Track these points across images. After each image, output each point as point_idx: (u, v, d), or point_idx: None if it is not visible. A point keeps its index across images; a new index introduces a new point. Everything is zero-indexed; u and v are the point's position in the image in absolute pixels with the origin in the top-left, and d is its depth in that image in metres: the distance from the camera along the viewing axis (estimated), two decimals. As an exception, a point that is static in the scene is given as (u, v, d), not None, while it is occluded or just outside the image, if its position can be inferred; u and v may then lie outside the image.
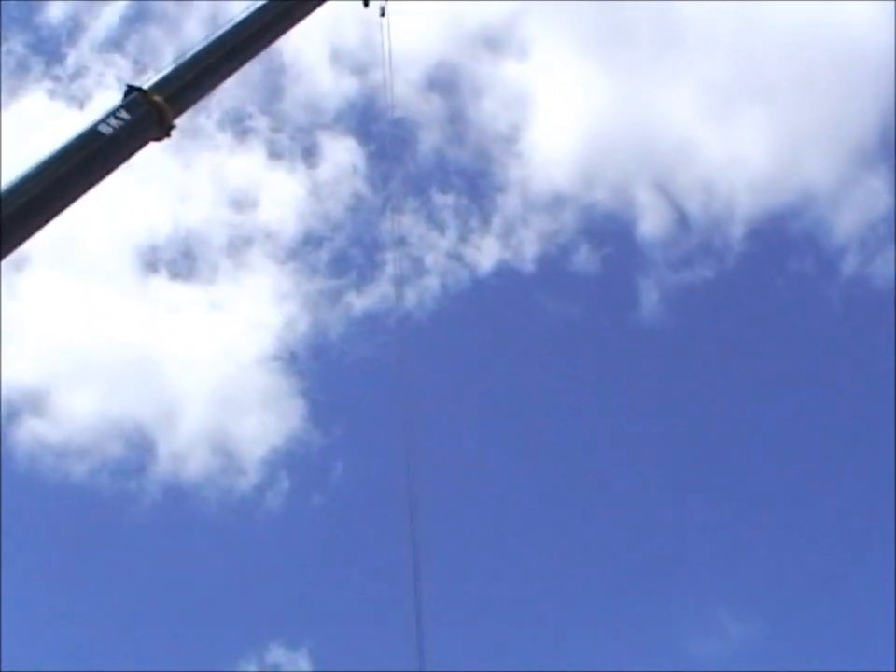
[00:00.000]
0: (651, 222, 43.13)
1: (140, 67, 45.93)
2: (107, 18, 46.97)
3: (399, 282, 25.60)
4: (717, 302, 43.35)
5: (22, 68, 46.37)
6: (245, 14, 20.76)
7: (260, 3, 20.99)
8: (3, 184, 16.37)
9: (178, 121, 19.06)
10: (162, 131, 18.78)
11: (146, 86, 18.74)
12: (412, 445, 22.40)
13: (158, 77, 19.14)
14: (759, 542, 38.87)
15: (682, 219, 43.17)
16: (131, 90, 18.55)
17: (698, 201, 43.14)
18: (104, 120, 17.84)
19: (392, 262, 25.98)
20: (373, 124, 44.22)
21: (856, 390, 39.76)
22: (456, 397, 42.61)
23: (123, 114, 18.07)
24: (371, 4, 24.11)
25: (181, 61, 19.72)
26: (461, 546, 38.26)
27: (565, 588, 38.77)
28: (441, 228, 44.54)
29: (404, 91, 44.38)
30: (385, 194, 43.66)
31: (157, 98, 18.60)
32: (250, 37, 20.66)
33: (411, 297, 42.42)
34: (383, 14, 24.40)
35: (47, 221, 16.82)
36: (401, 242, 42.41)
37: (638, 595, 38.36)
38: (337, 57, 45.53)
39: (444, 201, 45.10)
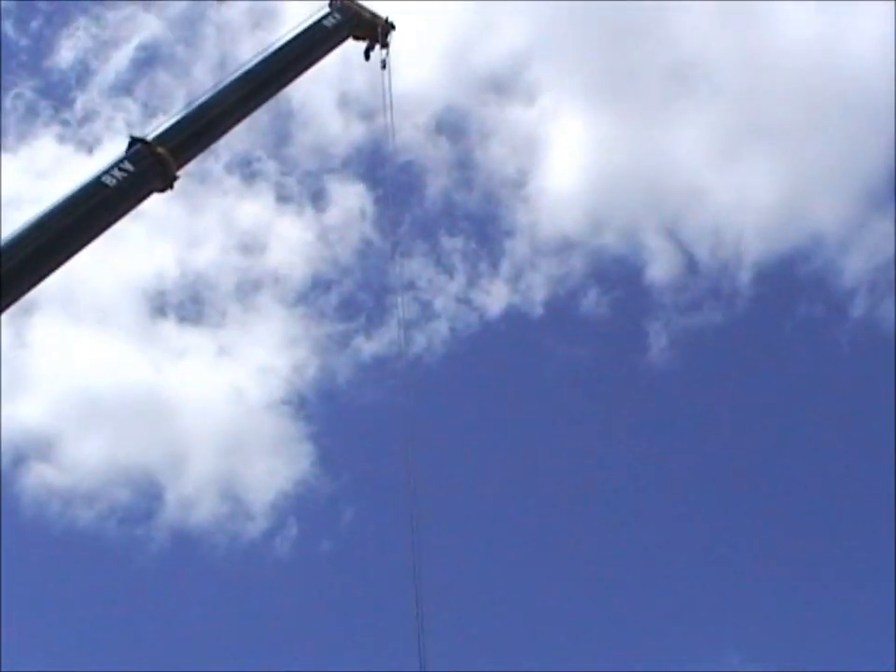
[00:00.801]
0: (660, 266, 43.13)
1: (149, 111, 45.57)
2: (117, 62, 46.83)
3: (404, 327, 25.74)
4: (726, 346, 43.31)
5: (31, 113, 46.29)
6: (249, 66, 21.17)
7: (265, 55, 21.43)
8: (7, 235, 16.69)
9: (183, 171, 19.32)
10: (166, 182, 19.04)
11: (149, 137, 19.04)
12: (415, 492, 22.45)
13: (161, 128, 19.45)
14: (771, 585, 38.76)
15: (691, 263, 43.17)
16: (134, 141, 18.87)
17: (707, 244, 43.14)
18: (107, 172, 18.16)
19: (398, 307, 26.03)
20: (381, 169, 44.45)
21: (865, 433, 39.84)
22: (466, 440, 42.64)
23: (127, 165, 18.39)
24: (371, 56, 24.47)
25: (185, 112, 20.08)
26: (469, 594, 38.20)
27: (574, 632, 38.54)
28: (449, 272, 44.43)
29: (412, 135, 44.97)
30: (393, 239, 44.09)
31: (160, 150, 18.89)
32: (254, 89, 21.00)
33: (420, 341, 42.65)
34: (384, 66, 24.65)
35: (51, 271, 17.11)
36: (410, 286, 43.09)
37: (651, 638, 38.22)
38: (345, 102, 45.35)
39: (453, 244, 45.02)
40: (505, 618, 38.13)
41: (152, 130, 19.44)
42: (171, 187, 19.18)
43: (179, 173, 19.28)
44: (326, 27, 22.67)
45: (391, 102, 24.57)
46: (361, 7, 23.97)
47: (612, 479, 41.34)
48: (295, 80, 21.87)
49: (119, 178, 18.16)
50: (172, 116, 20.08)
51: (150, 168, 18.71)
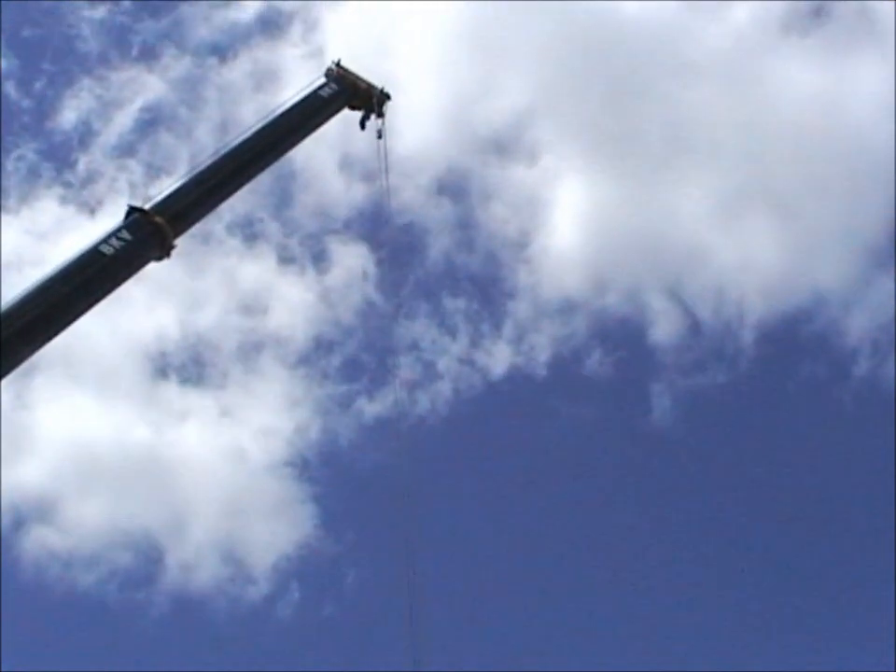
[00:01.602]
0: (663, 327, 43.41)
1: (153, 172, 46.22)
2: (120, 123, 47.31)
3: (407, 388, 26.06)
4: (729, 406, 43.45)
5: (33, 174, 46.61)
6: (246, 136, 21.66)
7: (262, 125, 21.91)
8: (7, 302, 17.15)
9: (179, 240, 19.73)
10: (163, 251, 19.47)
11: (147, 207, 19.47)
12: (413, 561, 22.72)
13: (159, 198, 19.87)
14: (770, 646, 38.73)
15: (694, 323, 43.50)
16: (132, 210, 19.28)
17: (709, 305, 43.48)
18: (106, 241, 18.58)
19: (395, 369, 26.38)
20: (382, 230, 44.87)
21: (869, 492, 39.80)
22: (469, 501, 42.63)
23: (125, 234, 18.82)
24: (367, 125, 24.92)
25: (182, 182, 20.49)
26: (471, 661, 38.25)
27: None
28: (452, 332, 44.73)
29: (414, 195, 45.40)
30: (396, 301, 44.42)
31: (158, 219, 19.32)
32: (252, 159, 21.46)
33: (423, 402, 42.82)
34: (380, 136, 25.09)
35: (50, 338, 17.52)
36: (413, 346, 43.46)
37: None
38: (346, 163, 45.48)
39: (455, 305, 45.38)
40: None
41: (150, 198, 19.90)
42: (168, 255, 19.60)
43: (177, 241, 19.67)
44: (322, 97, 23.20)
45: (387, 171, 25.11)
46: (357, 78, 24.47)
47: (615, 539, 41.30)
48: (292, 149, 22.38)
49: (118, 247, 18.57)
50: (169, 185, 20.51)
51: (148, 237, 19.13)
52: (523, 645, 38.41)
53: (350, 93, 24.15)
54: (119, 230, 18.91)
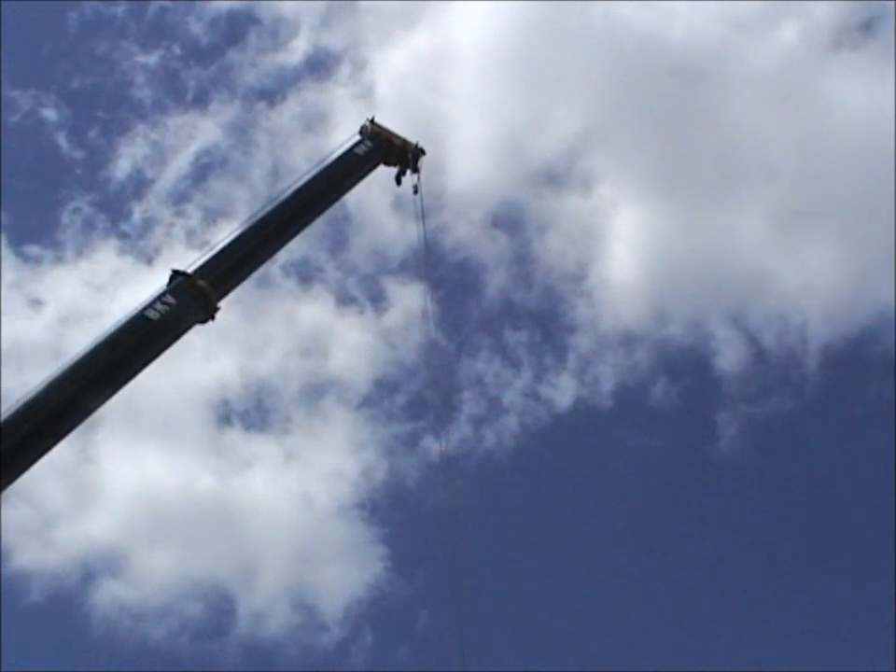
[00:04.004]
0: (727, 356, 43.74)
1: (209, 218, 47.28)
2: (174, 170, 48.01)
3: (442, 431, 26.60)
4: (796, 433, 43.63)
5: (89, 226, 47.31)
6: (285, 197, 22.40)
7: (300, 186, 22.62)
8: (57, 371, 17.83)
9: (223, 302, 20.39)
10: (207, 313, 20.12)
11: (190, 270, 20.14)
12: (463, 602, 23.19)
13: (201, 261, 20.53)
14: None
15: (758, 351, 43.80)
16: (176, 274, 20.01)
17: (773, 331, 43.75)
18: (151, 305, 19.29)
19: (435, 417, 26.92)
20: (440, 268, 45.46)
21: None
22: (537, 534, 42.85)
23: (169, 299, 19.51)
24: (402, 181, 25.60)
25: (224, 244, 21.18)
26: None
27: None
28: (516, 366, 45.07)
29: (468, 231, 46.27)
30: (458, 339, 44.95)
31: (201, 282, 20.00)
32: (291, 219, 22.19)
33: (489, 436, 43.35)
34: (416, 192, 25.68)
35: (100, 404, 18.24)
36: (477, 381, 44.07)
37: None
38: (399, 203, 46.26)
39: (517, 338, 45.80)
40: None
41: (192, 263, 20.42)
42: (213, 318, 20.22)
43: (220, 304, 20.30)
44: (358, 155, 24.01)
45: (424, 224, 25.72)
46: (392, 135, 25.21)
47: (685, 570, 41.68)
48: (330, 207, 23.11)
49: (163, 312, 19.21)
50: (212, 246, 21.12)
51: (192, 301, 19.76)
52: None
53: (385, 150, 24.88)
54: (163, 294, 19.57)
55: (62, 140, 48.51)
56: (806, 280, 44.86)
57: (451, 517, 24.70)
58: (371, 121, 24.92)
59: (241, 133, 49.10)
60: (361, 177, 24.12)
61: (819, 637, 39.61)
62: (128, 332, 18.87)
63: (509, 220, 47.14)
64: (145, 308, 19.28)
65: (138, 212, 47.61)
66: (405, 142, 25.44)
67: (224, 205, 47.42)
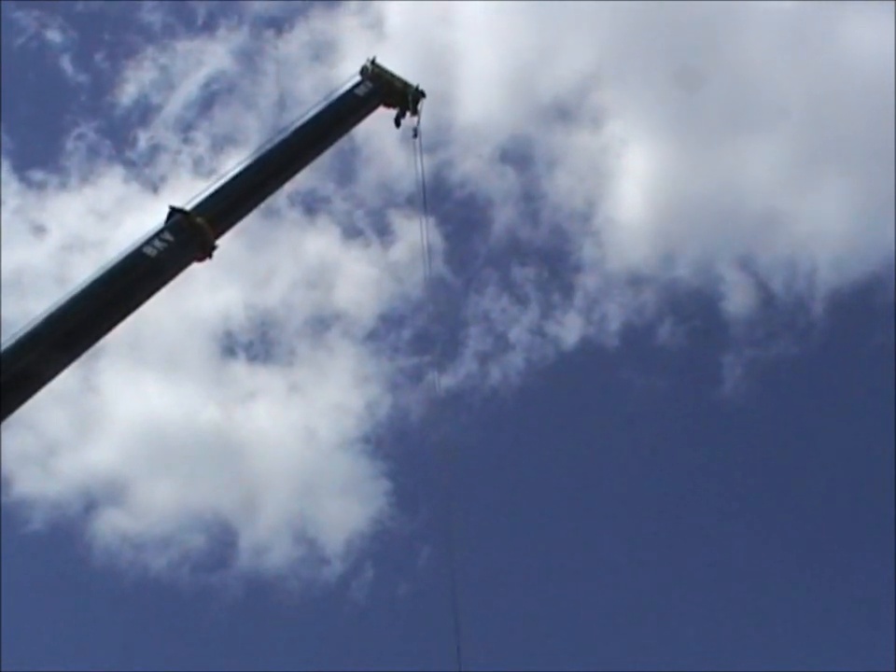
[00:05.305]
0: (735, 299, 44.17)
1: (217, 145, 47.31)
2: (181, 96, 47.90)
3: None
4: (801, 378, 44.04)
5: (94, 152, 47.30)
6: (284, 136, 22.68)
7: (299, 125, 22.91)
8: (55, 305, 18.11)
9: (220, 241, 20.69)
10: (205, 252, 20.44)
11: (188, 208, 20.39)
12: (454, 539, 23.60)
13: (199, 198, 20.78)
14: (853, 622, 39.22)
15: (766, 295, 44.23)
16: (174, 212, 20.24)
17: (781, 275, 44.05)
18: (148, 243, 19.56)
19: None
20: (447, 202, 45.55)
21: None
22: (541, 471, 43.36)
23: (167, 236, 19.79)
24: (402, 123, 25.92)
25: (223, 182, 21.41)
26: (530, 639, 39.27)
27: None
28: (523, 302, 45.52)
29: (476, 165, 46.41)
30: (466, 275, 45.11)
31: (199, 220, 20.27)
32: (290, 158, 22.49)
33: (495, 373, 43.88)
34: (415, 135, 26.03)
35: (98, 338, 18.59)
36: (483, 317, 44.38)
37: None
38: (407, 138, 46.24)
39: (524, 274, 46.17)
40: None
41: (191, 200, 20.68)
42: (210, 257, 20.52)
43: (218, 242, 20.59)
44: (358, 96, 24.30)
45: (423, 169, 26.07)
46: (392, 76, 25.46)
47: (686, 509, 42.27)
48: (330, 148, 23.35)
49: (160, 249, 19.51)
50: (209, 185, 21.35)
51: (190, 239, 20.06)
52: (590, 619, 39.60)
53: (385, 91, 25.15)
54: (161, 231, 19.80)
55: (66, 63, 48.36)
56: (816, 224, 45.15)
57: (443, 457, 25.17)
58: (373, 62, 25.13)
59: (248, 60, 49.01)
60: (361, 118, 24.42)
61: (818, 577, 40.29)
62: (126, 270, 19.14)
63: (517, 155, 47.15)
64: (142, 245, 19.53)
65: (144, 139, 47.65)
66: (405, 84, 25.69)
67: (231, 133, 47.55)
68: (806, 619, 39.36)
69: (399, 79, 25.63)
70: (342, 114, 23.83)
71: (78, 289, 18.61)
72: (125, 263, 19.29)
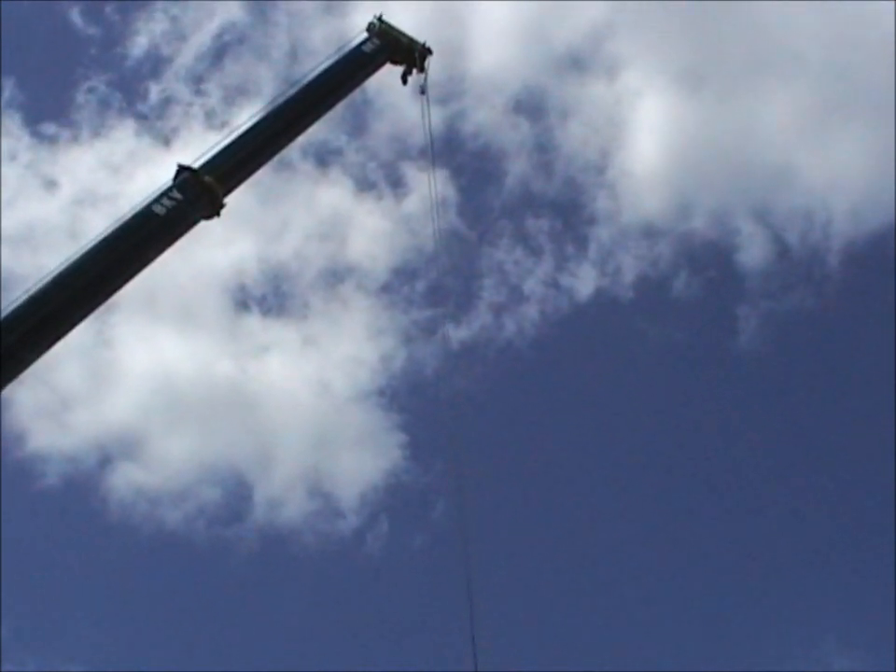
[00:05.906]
0: (750, 251, 44.18)
1: (230, 97, 47.24)
2: (193, 48, 47.87)
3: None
4: (816, 330, 44.31)
5: (105, 105, 47.18)
6: (292, 93, 22.85)
7: (307, 81, 23.08)
8: (65, 263, 18.37)
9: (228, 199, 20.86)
10: (213, 210, 20.63)
11: (196, 166, 20.59)
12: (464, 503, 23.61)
13: (207, 156, 20.96)
14: (877, 574, 39.32)
15: (781, 248, 44.18)
16: (182, 170, 20.44)
17: (797, 227, 44.06)
18: (157, 201, 19.78)
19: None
20: (460, 154, 45.57)
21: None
22: (556, 424, 43.83)
23: (175, 194, 20.00)
24: (409, 80, 26.10)
25: (230, 140, 21.59)
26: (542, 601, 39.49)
27: (664, 612, 39.54)
28: (537, 254, 45.59)
29: (489, 116, 46.47)
30: (480, 228, 45.14)
31: (207, 178, 20.46)
32: (298, 115, 22.68)
33: (509, 325, 44.15)
34: (422, 92, 26.19)
35: (107, 297, 18.86)
36: (497, 269, 44.52)
37: (745, 619, 38.93)
38: (416, 92, 46.14)
39: (538, 226, 46.17)
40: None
41: (199, 158, 20.86)
42: (218, 215, 20.73)
43: (226, 200, 20.78)
44: (365, 52, 24.42)
45: (430, 126, 26.18)
46: (399, 33, 25.56)
47: (702, 460, 42.59)
48: (337, 104, 23.52)
49: (169, 207, 19.73)
50: (218, 142, 21.51)
51: (198, 196, 20.25)
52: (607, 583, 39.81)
53: (392, 49, 25.23)
54: (170, 189, 19.98)
55: (76, 16, 48.29)
56: (832, 176, 45.00)
57: (455, 411, 25.58)
58: (379, 18, 25.23)
59: (260, 11, 49.05)
60: (368, 75, 24.58)
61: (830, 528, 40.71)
62: (135, 228, 19.34)
63: (530, 106, 47.12)
64: (151, 203, 19.74)
65: (156, 91, 47.58)
66: (412, 41, 25.78)
67: (243, 85, 47.41)
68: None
69: (405, 36, 25.71)
70: (348, 71, 23.96)
71: (89, 246, 18.81)
72: (135, 221, 19.48)
